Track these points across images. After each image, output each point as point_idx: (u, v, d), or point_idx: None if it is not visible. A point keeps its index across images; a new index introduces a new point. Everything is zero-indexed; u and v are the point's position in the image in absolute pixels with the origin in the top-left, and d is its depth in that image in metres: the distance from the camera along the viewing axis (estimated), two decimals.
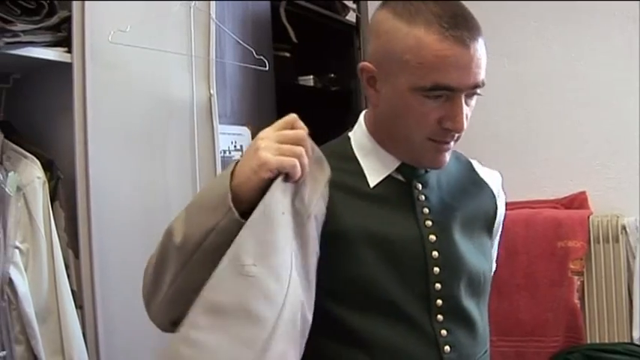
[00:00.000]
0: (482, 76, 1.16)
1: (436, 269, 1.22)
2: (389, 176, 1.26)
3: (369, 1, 3.04)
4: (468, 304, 1.26)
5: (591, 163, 3.04)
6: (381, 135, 1.26)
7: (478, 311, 1.29)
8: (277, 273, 1.02)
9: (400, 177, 1.26)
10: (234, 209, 1.01)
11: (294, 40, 2.74)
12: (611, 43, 3.00)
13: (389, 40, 1.16)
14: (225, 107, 2.40)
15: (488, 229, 1.36)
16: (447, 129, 1.17)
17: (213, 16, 2.33)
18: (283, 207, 1.05)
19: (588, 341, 2.77)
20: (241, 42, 2.42)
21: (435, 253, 1.22)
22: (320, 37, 3.19)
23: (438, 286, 1.22)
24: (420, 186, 1.26)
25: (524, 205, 3.01)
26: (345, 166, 1.26)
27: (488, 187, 1.38)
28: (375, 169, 1.25)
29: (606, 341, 2.77)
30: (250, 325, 0.98)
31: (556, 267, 2.81)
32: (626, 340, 2.73)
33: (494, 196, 1.38)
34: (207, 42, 2.32)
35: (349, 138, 1.31)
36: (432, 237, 1.23)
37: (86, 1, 1.95)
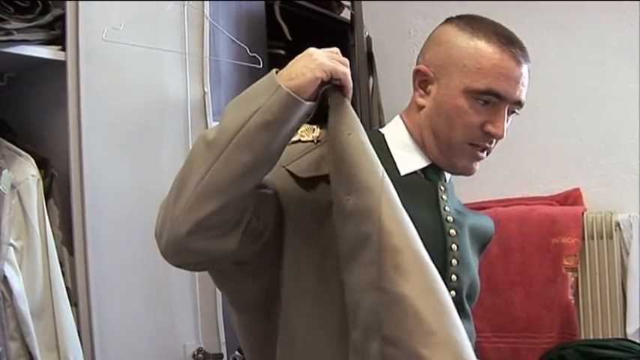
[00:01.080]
0: (524, 95, 1.30)
1: (454, 261, 1.28)
2: (416, 173, 1.32)
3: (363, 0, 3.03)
4: (468, 302, 1.34)
5: (585, 160, 3.05)
6: (421, 135, 1.33)
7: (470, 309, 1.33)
8: (366, 186, 1.06)
9: (425, 178, 1.33)
10: (284, 86, 1.05)
11: (289, 37, 2.75)
12: (606, 41, 3.00)
13: (450, 47, 1.29)
14: (220, 105, 2.40)
15: (481, 249, 1.44)
16: (488, 133, 1.28)
17: (207, 13, 2.33)
18: (346, 128, 1.11)
19: (582, 337, 2.78)
20: (235, 40, 2.42)
21: (454, 246, 1.29)
22: (315, 34, 3.16)
23: (454, 277, 1.28)
24: (443, 188, 1.33)
25: (519, 201, 3.02)
26: (377, 154, 1.28)
27: (486, 216, 1.50)
28: (406, 161, 1.32)
29: (600, 337, 2.77)
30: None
31: (550, 263, 2.82)
32: (620, 336, 2.74)
33: (492, 224, 1.48)
34: (201, 40, 2.33)
35: (381, 133, 1.37)
36: (452, 231, 1.30)
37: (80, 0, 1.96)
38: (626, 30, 2.96)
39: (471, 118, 1.27)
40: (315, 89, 1.09)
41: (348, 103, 1.14)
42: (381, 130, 1.39)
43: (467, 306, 1.33)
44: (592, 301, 2.83)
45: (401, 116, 1.39)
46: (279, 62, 3.03)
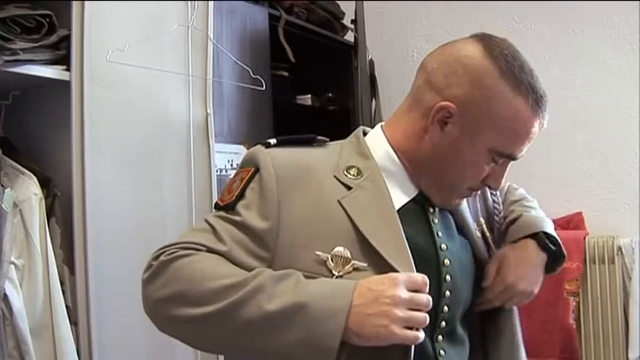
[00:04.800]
0: None
1: (447, 292, 1.23)
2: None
3: (366, 19, 3.06)
4: (461, 324, 1.30)
5: (587, 184, 3.05)
6: (416, 164, 1.25)
7: (464, 328, 1.31)
8: None
9: (413, 201, 1.26)
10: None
11: (292, 59, 2.76)
12: (607, 66, 3.02)
13: (490, 98, 1.17)
14: (222, 126, 2.42)
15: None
16: (488, 185, 1.26)
17: (211, 35, 2.35)
18: None
19: None
20: (238, 62, 2.44)
21: (448, 277, 1.24)
22: (318, 56, 3.21)
23: (445, 308, 1.23)
24: (432, 209, 1.27)
25: None
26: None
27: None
28: (398, 192, 1.24)
29: None
30: None
31: (552, 287, 2.80)
32: None
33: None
34: (204, 61, 2.34)
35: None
36: (447, 261, 1.24)
37: (85, 20, 1.97)
38: (628, 55, 2.98)
39: (481, 172, 1.22)
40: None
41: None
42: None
43: (460, 331, 1.28)
44: (594, 325, 2.82)
45: (385, 134, 1.28)
46: (282, 83, 3.07)
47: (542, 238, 1.39)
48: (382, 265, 1.10)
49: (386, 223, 1.15)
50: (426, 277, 1.07)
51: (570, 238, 2.87)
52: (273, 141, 1.22)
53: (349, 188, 1.18)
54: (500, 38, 1.22)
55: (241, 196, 1.17)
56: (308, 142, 1.26)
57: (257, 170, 1.18)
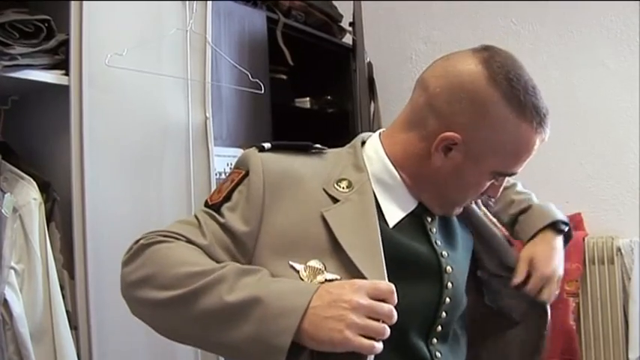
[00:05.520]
0: None
1: (448, 299, 1.24)
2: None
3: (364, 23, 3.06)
4: (457, 324, 1.31)
5: (586, 185, 3.06)
6: (416, 181, 1.24)
7: (460, 326, 1.33)
8: None
9: (411, 214, 1.26)
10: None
11: (291, 62, 2.77)
12: (606, 67, 3.03)
13: (495, 126, 1.17)
14: (221, 129, 2.42)
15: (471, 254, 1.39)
16: (488, 195, 1.29)
17: (210, 39, 2.35)
18: None
19: None
20: (237, 65, 2.44)
21: (450, 284, 1.24)
22: (316, 59, 3.21)
23: (444, 314, 1.24)
24: (429, 219, 1.28)
25: None
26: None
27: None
28: (393, 209, 1.23)
29: None
30: None
31: None
32: None
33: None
34: (203, 65, 2.34)
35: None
36: (449, 268, 1.25)
37: (84, 24, 1.98)
38: (626, 56, 2.99)
39: (482, 189, 1.25)
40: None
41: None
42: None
43: (456, 330, 1.30)
44: (593, 326, 2.82)
45: (384, 146, 1.27)
46: (281, 86, 3.06)
47: (557, 225, 1.46)
48: (355, 277, 1.07)
49: (365, 235, 1.14)
50: (392, 286, 1.03)
51: None
52: (267, 145, 1.22)
53: (336, 201, 1.18)
54: (503, 54, 1.20)
55: (228, 198, 1.18)
56: (304, 150, 1.26)
57: (247, 174, 1.18)
